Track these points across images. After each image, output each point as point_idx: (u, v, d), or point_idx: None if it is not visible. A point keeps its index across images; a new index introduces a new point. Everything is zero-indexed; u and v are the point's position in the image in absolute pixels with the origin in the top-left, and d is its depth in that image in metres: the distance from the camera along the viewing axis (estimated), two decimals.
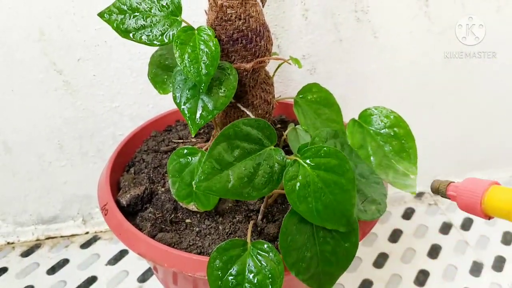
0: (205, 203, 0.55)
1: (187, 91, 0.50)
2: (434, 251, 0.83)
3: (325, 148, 0.45)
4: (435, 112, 0.88)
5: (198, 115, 0.49)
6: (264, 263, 0.46)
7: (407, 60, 0.80)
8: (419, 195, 0.96)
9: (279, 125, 0.73)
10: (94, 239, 0.88)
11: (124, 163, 0.67)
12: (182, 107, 0.49)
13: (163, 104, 0.79)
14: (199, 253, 0.52)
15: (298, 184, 0.44)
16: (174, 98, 0.50)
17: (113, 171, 0.63)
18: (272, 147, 0.47)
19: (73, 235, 0.89)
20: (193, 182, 0.42)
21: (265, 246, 0.47)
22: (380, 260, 0.82)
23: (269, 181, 0.45)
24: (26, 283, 0.78)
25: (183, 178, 0.54)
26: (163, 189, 0.61)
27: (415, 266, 0.80)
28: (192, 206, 0.55)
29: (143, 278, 0.79)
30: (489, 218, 0.42)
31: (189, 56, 0.48)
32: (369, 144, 0.56)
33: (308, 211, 0.44)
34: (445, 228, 0.88)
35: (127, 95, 0.77)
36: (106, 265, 0.82)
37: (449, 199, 0.46)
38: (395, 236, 0.87)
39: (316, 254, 0.47)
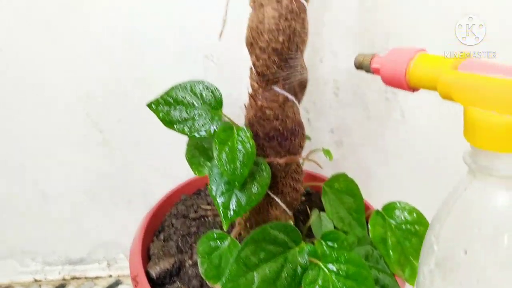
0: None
1: (222, 185, 0.53)
2: None
3: (346, 254, 0.48)
4: None
5: (231, 210, 0.52)
6: None
7: (435, 144, 0.82)
8: None
9: (303, 198, 0.76)
10: (117, 283, 0.92)
11: (155, 226, 0.71)
12: (217, 200, 0.52)
13: None
14: None
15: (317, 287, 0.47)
16: (210, 190, 0.53)
17: (145, 238, 0.66)
18: (297, 248, 0.49)
19: (97, 277, 0.92)
20: (220, 283, 0.46)
21: None
22: None
23: (291, 284, 0.48)
24: None
25: (212, 260, 0.57)
26: (190, 261, 0.64)
27: None
28: (218, 287, 0.58)
29: None
30: (414, 90, 0.37)
31: (227, 156, 0.51)
32: (389, 239, 0.59)
33: None
34: None
35: (161, 154, 0.81)
36: None
37: (373, 73, 0.41)
38: None
39: None
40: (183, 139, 0.60)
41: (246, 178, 0.53)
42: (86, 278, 0.92)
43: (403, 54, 0.36)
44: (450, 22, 0.69)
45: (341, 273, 0.47)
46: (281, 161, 0.56)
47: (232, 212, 0.52)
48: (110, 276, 0.93)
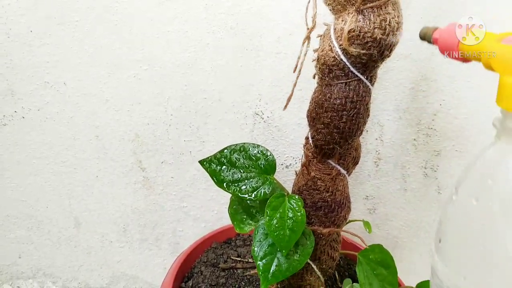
0: None
1: (266, 247, 0.54)
2: None
3: None
4: None
5: (271, 273, 0.53)
6: None
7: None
8: None
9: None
10: None
11: (185, 271, 0.72)
12: (259, 262, 0.53)
13: (227, 212, 0.84)
14: None
15: None
16: (253, 251, 0.54)
17: (175, 281, 0.67)
18: None
19: None
20: None
21: None
22: None
23: None
24: None
25: None
26: None
27: None
28: None
29: None
30: (464, 60, 0.41)
31: (277, 222, 0.52)
32: None
33: None
34: None
35: (196, 198, 0.83)
36: None
37: (433, 43, 0.44)
38: None
39: None
40: (218, 188, 0.62)
41: None
42: None
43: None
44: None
45: None
46: (325, 231, 0.57)
47: (271, 276, 0.53)
48: None
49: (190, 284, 0.69)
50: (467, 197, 0.36)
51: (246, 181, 0.56)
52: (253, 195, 0.56)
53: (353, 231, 0.64)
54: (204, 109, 0.75)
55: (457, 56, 0.41)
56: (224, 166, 0.57)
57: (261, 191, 0.56)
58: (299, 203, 0.54)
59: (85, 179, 0.81)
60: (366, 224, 0.63)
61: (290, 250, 0.54)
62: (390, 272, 0.65)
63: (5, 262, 0.89)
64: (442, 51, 0.43)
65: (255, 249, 0.54)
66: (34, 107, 0.75)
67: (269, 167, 0.57)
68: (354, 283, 0.66)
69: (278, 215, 0.53)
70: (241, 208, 0.63)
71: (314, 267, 0.61)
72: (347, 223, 0.66)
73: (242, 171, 0.57)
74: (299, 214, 0.53)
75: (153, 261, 0.89)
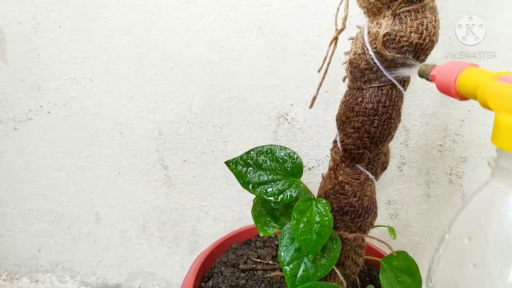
0: None
1: (292, 252, 0.54)
2: None
3: None
4: None
5: (298, 278, 0.52)
6: None
7: None
8: None
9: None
10: None
11: (204, 271, 0.71)
12: (285, 267, 0.53)
13: (247, 213, 0.84)
14: None
15: None
16: (279, 256, 0.54)
17: (195, 281, 0.67)
18: None
19: None
20: None
21: None
22: None
23: None
24: None
25: None
26: None
27: None
28: None
29: None
30: (461, 98, 0.40)
31: (304, 226, 0.52)
32: None
33: None
34: None
35: (217, 198, 0.83)
36: None
37: (431, 81, 0.44)
38: None
39: None
40: (239, 189, 0.61)
41: None
42: None
43: (457, 65, 0.41)
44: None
45: None
46: (350, 236, 0.56)
47: (298, 281, 0.52)
48: None
49: (210, 284, 0.69)
50: (460, 235, 0.36)
51: (272, 183, 0.56)
52: (279, 198, 0.55)
53: (374, 236, 0.63)
54: (228, 108, 0.75)
55: (454, 94, 0.41)
56: (250, 168, 0.57)
57: (287, 194, 0.55)
58: (327, 207, 0.53)
59: (107, 175, 0.81)
60: (391, 230, 0.62)
61: (317, 255, 0.53)
62: (414, 280, 0.64)
63: (24, 255, 0.90)
64: (438, 87, 0.42)
65: (282, 254, 0.54)
66: (59, 102, 0.76)
67: (296, 170, 0.56)
68: None
69: (305, 219, 0.52)
70: (264, 211, 0.63)
71: (338, 272, 0.60)
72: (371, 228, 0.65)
73: (268, 173, 0.56)
74: (326, 218, 0.53)
75: (171, 259, 0.89)
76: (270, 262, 0.74)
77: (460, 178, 0.78)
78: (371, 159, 0.54)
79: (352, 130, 0.51)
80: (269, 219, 0.62)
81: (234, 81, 0.73)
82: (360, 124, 0.50)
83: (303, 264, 0.53)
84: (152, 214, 0.85)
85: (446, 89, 0.41)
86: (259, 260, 0.74)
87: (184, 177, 0.81)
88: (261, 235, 0.62)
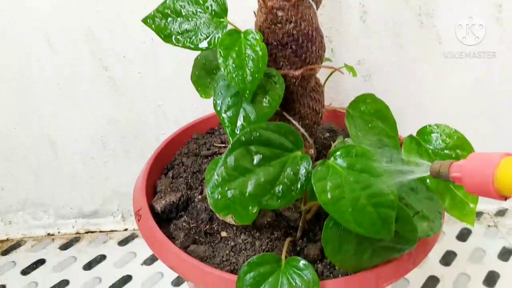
0: (243, 216, 0.51)
1: (228, 99, 0.46)
2: (491, 279, 0.76)
3: (356, 148, 0.41)
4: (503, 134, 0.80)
5: (238, 126, 0.45)
6: (298, 283, 0.43)
7: (476, 70, 0.73)
8: (478, 214, 0.88)
9: (327, 134, 0.68)
10: (132, 236, 0.87)
11: (163, 165, 0.65)
12: (222, 115, 0.46)
13: (209, 105, 0.76)
14: (232, 270, 0.49)
15: (328, 184, 0.40)
16: (215, 105, 0.47)
17: (151, 174, 0.61)
18: (299, 153, 0.42)
19: (112, 231, 0.88)
20: (207, 188, 0.40)
21: (301, 263, 0.44)
22: (430, 284, 0.75)
23: (292, 189, 0.41)
24: (62, 277, 0.78)
25: None
26: (200, 196, 0.58)
27: None
28: (229, 219, 0.52)
29: (178, 281, 0.77)
30: (506, 198, 0.35)
31: (234, 62, 0.44)
32: None
33: (341, 215, 0.40)
34: (505, 254, 0.80)
35: (172, 96, 0.75)
36: (142, 264, 0.81)
37: (454, 182, 0.38)
38: (447, 258, 0.80)
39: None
40: None
41: (256, 91, 0.46)
42: (101, 231, 0.88)
43: (486, 161, 0.34)
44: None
45: (353, 167, 0.41)
46: (297, 73, 0.49)
47: (239, 129, 0.45)
48: (126, 229, 0.88)
49: (171, 175, 0.63)
50: None
51: (196, 29, 0.48)
52: (206, 43, 0.47)
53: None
54: None
55: (494, 196, 0.34)
56: (169, 18, 0.49)
57: (214, 37, 0.47)
58: (257, 37, 0.46)
59: (48, 92, 0.74)
60: (350, 68, 0.55)
61: (257, 96, 0.46)
62: (387, 124, 0.57)
63: None
64: (470, 191, 0.36)
65: (217, 101, 0.47)
66: None
67: (220, 9, 0.48)
68: (346, 138, 0.58)
69: (234, 54, 0.45)
70: (204, 72, 0.56)
71: (296, 123, 0.53)
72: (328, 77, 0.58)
73: (190, 19, 0.48)
74: (258, 49, 0.45)
75: None
76: None
77: (432, 17, 0.69)
78: None
79: None
80: (209, 80, 0.55)
81: None
82: None
83: (242, 110, 0.46)
84: (108, 128, 0.78)
85: (481, 190, 0.35)
86: (223, 145, 0.68)
87: (131, 78, 0.73)
88: (202, 98, 0.55)
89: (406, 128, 0.62)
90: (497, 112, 0.77)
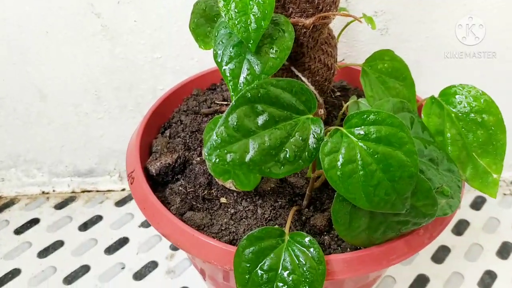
0: (245, 182, 0.47)
1: (230, 49, 0.41)
2: (505, 250, 0.72)
3: (374, 114, 0.36)
4: None
5: (241, 79, 0.40)
6: (302, 260, 0.38)
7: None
8: None
9: (338, 93, 0.63)
10: (130, 197, 0.83)
11: (160, 123, 0.60)
12: (224, 67, 0.40)
13: (210, 58, 0.70)
14: (231, 240, 0.44)
15: (340, 158, 0.35)
16: (215, 55, 0.41)
17: (146, 133, 0.56)
18: (310, 116, 0.37)
19: (109, 191, 0.84)
20: (204, 150, 0.35)
21: (306, 240, 0.40)
22: (440, 254, 0.72)
23: (299, 157, 0.36)
24: (57, 237, 0.75)
25: None
26: (198, 158, 0.53)
27: (480, 266, 0.70)
28: (229, 184, 0.47)
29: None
30: None
31: (236, 6, 0.38)
32: (448, 131, 0.46)
33: (352, 194, 0.35)
34: None
35: (170, 45, 0.69)
36: (139, 227, 0.77)
37: None
38: (460, 227, 0.76)
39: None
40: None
41: (262, 40, 0.40)
42: (97, 191, 0.84)
43: None
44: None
45: (370, 136, 0.35)
46: (308, 21, 0.43)
47: (242, 82, 0.40)
48: (123, 189, 0.85)
49: (168, 134, 0.58)
50: None
51: None
52: None
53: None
54: None
55: None
56: None
57: None
58: None
59: (35, 39, 0.68)
60: (369, 19, 0.48)
61: (263, 46, 0.40)
62: (405, 85, 0.52)
63: None
64: None
65: (218, 52, 0.41)
66: None
67: None
68: (360, 98, 0.53)
69: None
70: (203, 20, 0.50)
71: (305, 80, 0.47)
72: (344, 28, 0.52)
73: None
74: None
75: None
76: None
77: None
78: None
79: None
80: (209, 29, 0.49)
81: None
82: None
83: (246, 61, 0.40)
84: (102, 79, 0.72)
85: None
86: (225, 103, 0.62)
87: (125, 25, 0.67)
88: (202, 49, 0.49)
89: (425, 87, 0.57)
90: None
